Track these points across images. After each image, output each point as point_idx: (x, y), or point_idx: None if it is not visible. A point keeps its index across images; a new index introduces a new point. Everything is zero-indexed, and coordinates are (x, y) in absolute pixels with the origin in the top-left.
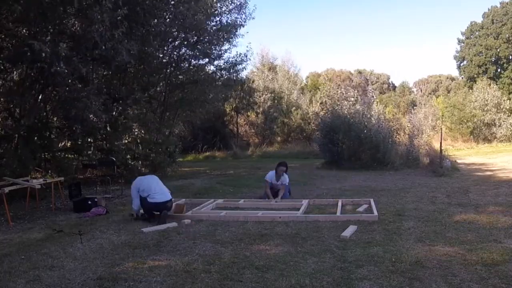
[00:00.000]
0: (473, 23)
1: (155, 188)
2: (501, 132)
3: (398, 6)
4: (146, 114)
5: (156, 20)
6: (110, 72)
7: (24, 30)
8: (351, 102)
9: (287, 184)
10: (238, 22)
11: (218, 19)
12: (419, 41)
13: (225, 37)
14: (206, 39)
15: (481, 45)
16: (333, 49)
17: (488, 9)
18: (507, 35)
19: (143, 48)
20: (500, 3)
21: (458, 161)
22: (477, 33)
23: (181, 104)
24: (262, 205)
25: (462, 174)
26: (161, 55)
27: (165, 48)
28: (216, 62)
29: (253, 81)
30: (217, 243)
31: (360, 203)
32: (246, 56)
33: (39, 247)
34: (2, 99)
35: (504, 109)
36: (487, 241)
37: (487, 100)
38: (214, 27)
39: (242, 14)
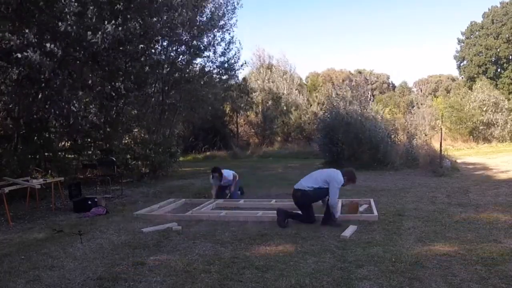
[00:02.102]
0: (473, 23)
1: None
2: (499, 133)
3: (398, 6)
4: (145, 114)
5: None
6: (104, 72)
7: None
8: (347, 103)
9: (230, 180)
10: (228, 11)
11: (207, 12)
12: (419, 41)
13: (218, 26)
14: (196, 34)
15: (481, 45)
16: (333, 49)
17: (488, 9)
18: (507, 35)
19: (134, 43)
20: (500, 3)
21: (458, 161)
22: (477, 33)
23: (179, 104)
24: (262, 205)
25: (462, 174)
26: (153, 51)
27: (158, 47)
28: (207, 53)
29: (245, 79)
30: (217, 243)
31: (360, 203)
32: (239, 45)
33: (39, 247)
34: (1, 99)
35: (503, 110)
36: (487, 241)
37: (485, 101)
38: (205, 21)
39: (230, 6)
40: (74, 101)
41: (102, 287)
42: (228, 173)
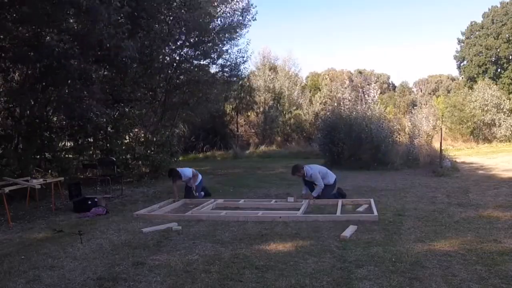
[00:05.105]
0: (473, 23)
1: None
2: (501, 132)
3: (399, 6)
4: (146, 114)
5: (157, 24)
6: (112, 73)
7: (26, 30)
8: (352, 103)
9: (190, 177)
10: (241, 22)
11: (221, 21)
12: (419, 41)
13: (227, 37)
14: (208, 40)
15: (481, 45)
16: (333, 49)
17: (488, 9)
18: (507, 35)
19: (145, 50)
20: (500, 3)
21: (458, 161)
22: (477, 33)
23: (182, 104)
24: (262, 205)
25: (462, 174)
26: (161, 56)
27: (166, 49)
28: (219, 61)
29: (249, 80)
30: (217, 243)
31: (360, 203)
32: (246, 52)
33: (39, 247)
34: (2, 99)
35: (504, 109)
36: (487, 241)
37: (486, 100)
38: (217, 28)
39: (245, 17)
40: (87, 103)
41: (102, 287)
42: (187, 172)
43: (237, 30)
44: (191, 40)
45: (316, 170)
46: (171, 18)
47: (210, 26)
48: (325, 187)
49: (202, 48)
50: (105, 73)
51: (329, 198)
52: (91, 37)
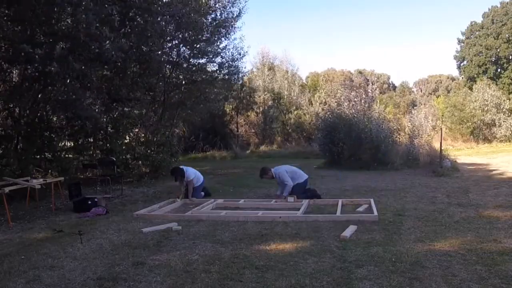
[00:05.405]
0: (473, 23)
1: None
2: (501, 132)
3: (399, 6)
4: (146, 114)
5: (151, 17)
6: (110, 72)
7: (17, 29)
8: (352, 103)
9: (189, 180)
10: (234, 15)
11: (213, 15)
12: (419, 41)
13: (223, 32)
14: (203, 38)
15: (481, 45)
16: (333, 49)
17: (488, 9)
18: (507, 35)
19: (140, 47)
20: (500, 3)
21: (458, 161)
22: (477, 33)
23: (181, 104)
24: (262, 205)
25: (462, 174)
26: (159, 53)
27: (163, 48)
28: (216, 59)
29: (249, 81)
30: (217, 243)
31: (360, 203)
32: (242, 49)
33: (39, 247)
34: (1, 99)
35: (504, 109)
36: (487, 241)
37: (486, 101)
38: (210, 24)
39: (236, 7)
40: (83, 103)
41: (102, 287)
42: (191, 173)
43: (231, 21)
44: (186, 35)
45: (283, 169)
46: (164, 16)
47: (204, 23)
48: (295, 185)
49: (197, 46)
50: (104, 73)
51: (300, 196)
52: (76, 38)
